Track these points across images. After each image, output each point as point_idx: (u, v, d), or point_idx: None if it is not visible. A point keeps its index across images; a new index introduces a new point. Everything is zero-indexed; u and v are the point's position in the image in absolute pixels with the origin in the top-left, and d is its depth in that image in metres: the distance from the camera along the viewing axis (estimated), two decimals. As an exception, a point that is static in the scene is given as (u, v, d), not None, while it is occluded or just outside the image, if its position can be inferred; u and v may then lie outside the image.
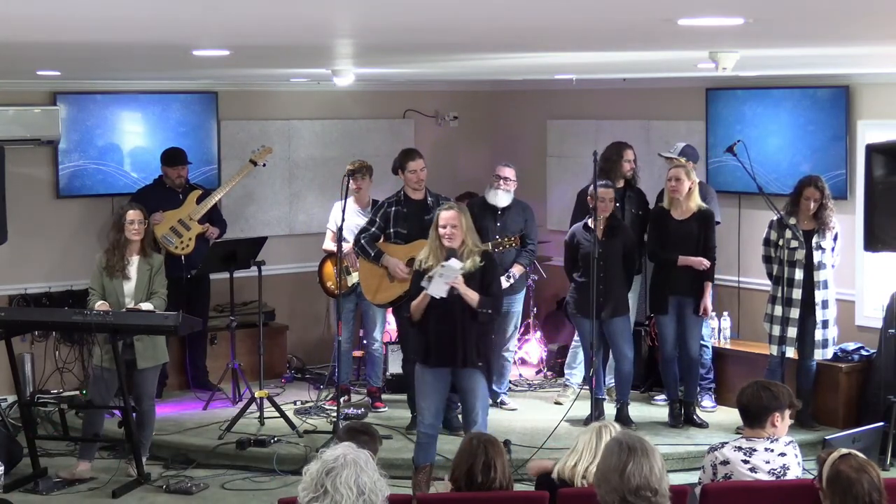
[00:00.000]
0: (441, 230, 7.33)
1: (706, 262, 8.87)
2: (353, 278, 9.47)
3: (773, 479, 5.30)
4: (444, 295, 7.22)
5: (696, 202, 8.95)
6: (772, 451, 5.38)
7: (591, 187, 8.82)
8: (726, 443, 5.50)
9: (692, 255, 8.89)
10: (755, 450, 5.38)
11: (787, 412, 5.48)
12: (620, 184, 9.58)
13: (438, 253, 7.35)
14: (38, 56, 6.56)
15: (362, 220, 9.39)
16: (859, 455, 4.72)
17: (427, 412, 7.46)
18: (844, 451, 4.75)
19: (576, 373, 9.80)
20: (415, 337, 7.69)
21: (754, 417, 5.44)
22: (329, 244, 9.88)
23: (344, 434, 5.42)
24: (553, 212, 11.31)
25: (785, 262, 8.73)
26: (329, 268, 9.90)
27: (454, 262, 7.22)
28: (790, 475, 5.33)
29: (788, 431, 5.55)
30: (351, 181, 9.39)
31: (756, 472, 5.32)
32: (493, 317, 7.50)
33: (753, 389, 5.46)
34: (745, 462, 5.35)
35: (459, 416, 9.00)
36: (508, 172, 9.35)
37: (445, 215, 7.36)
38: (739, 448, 5.40)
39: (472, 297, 7.25)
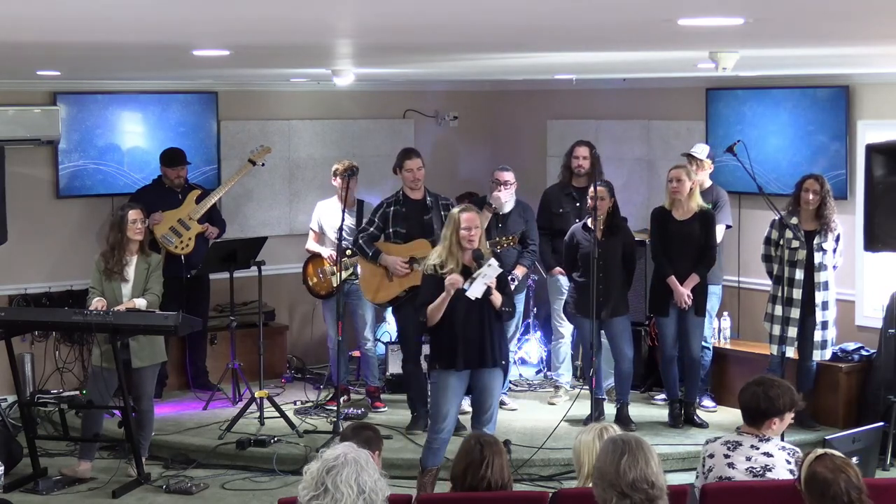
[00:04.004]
0: (463, 232, 7.25)
1: (688, 301, 8.87)
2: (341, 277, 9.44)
3: (751, 477, 5.27)
4: (480, 296, 7.22)
5: (697, 202, 8.94)
6: (757, 448, 5.34)
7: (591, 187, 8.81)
8: (721, 436, 5.50)
9: (694, 255, 8.91)
10: (740, 444, 5.36)
11: (787, 415, 5.45)
12: (581, 183, 9.62)
13: (458, 255, 7.29)
14: (38, 56, 6.57)
15: (349, 220, 9.38)
16: (837, 455, 4.67)
17: (449, 417, 7.36)
18: (821, 451, 4.72)
19: (562, 372, 9.82)
20: (436, 341, 7.48)
21: (751, 418, 5.43)
22: (311, 244, 9.86)
23: (348, 431, 5.43)
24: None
25: (785, 261, 8.73)
26: (311, 268, 9.88)
27: (495, 262, 7.24)
28: (770, 477, 5.28)
29: (789, 432, 5.54)
30: (340, 181, 9.41)
31: (733, 468, 5.29)
32: (512, 315, 7.57)
33: (753, 391, 5.40)
34: (727, 457, 5.34)
35: (458, 417, 9.02)
36: (507, 176, 9.33)
37: (468, 216, 7.28)
38: (727, 442, 5.40)
39: (497, 296, 7.28)
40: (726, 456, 5.34)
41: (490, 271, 7.19)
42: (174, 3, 3.94)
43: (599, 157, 9.73)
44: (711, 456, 5.37)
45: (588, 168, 9.60)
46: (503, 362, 7.45)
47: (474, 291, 7.20)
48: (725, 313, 9.85)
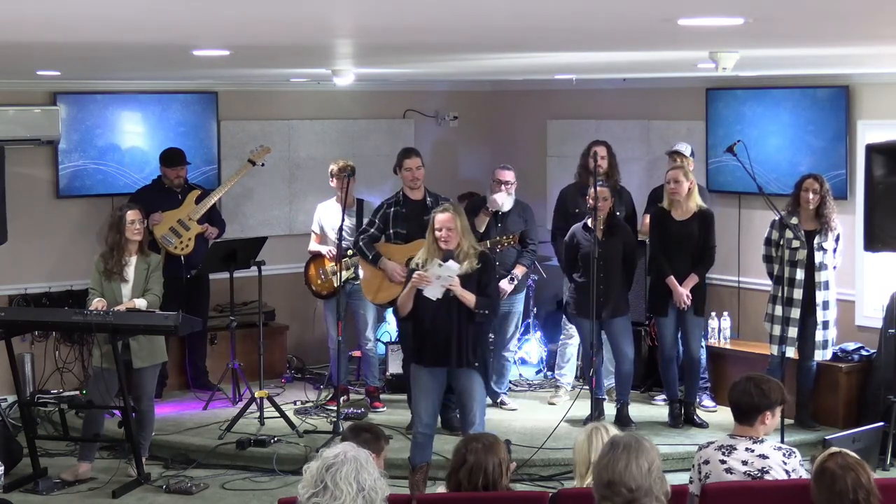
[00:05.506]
0: (437, 233, 7.30)
1: (687, 301, 8.87)
2: (343, 277, 9.44)
3: (748, 480, 5.24)
4: (440, 296, 7.22)
5: (696, 202, 8.94)
6: (752, 451, 5.29)
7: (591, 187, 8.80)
8: (713, 442, 5.47)
9: (694, 255, 8.92)
10: (735, 448, 5.30)
11: (778, 409, 5.44)
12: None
13: (436, 255, 7.32)
14: (38, 56, 6.57)
15: (348, 221, 9.38)
16: (851, 454, 4.69)
17: (424, 413, 7.42)
18: (836, 449, 4.73)
19: (565, 372, 9.82)
20: (409, 336, 7.63)
21: (744, 415, 5.37)
22: (313, 246, 9.88)
23: (347, 432, 5.42)
24: (553, 212, 11.28)
25: (786, 261, 8.73)
26: (313, 269, 9.88)
27: (451, 265, 7.20)
28: (768, 479, 5.26)
29: (789, 431, 5.53)
30: (338, 182, 9.42)
31: (731, 473, 5.24)
32: (490, 318, 7.50)
33: (744, 387, 5.36)
34: (723, 462, 5.27)
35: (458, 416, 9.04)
36: (508, 176, 9.32)
37: (441, 218, 7.31)
38: (721, 447, 5.35)
39: (469, 298, 7.23)
40: (722, 461, 5.28)
41: (443, 272, 7.18)
42: (174, 3, 3.94)
43: (616, 155, 9.71)
44: (707, 462, 5.32)
45: (606, 168, 9.53)
46: (475, 364, 7.33)
47: (430, 292, 7.22)
48: (725, 313, 9.85)
